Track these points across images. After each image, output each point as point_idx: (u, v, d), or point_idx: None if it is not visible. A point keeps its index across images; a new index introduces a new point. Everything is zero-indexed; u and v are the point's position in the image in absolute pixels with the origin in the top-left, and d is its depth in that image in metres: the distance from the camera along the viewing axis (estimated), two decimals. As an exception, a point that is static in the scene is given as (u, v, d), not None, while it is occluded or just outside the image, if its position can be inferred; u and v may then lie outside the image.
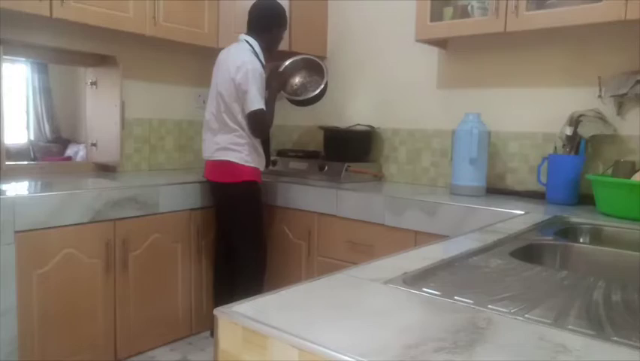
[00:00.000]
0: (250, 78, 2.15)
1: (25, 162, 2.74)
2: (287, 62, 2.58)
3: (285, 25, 2.37)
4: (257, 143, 2.29)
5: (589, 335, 0.66)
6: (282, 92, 2.49)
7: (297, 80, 2.66)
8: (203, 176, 2.39)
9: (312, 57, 2.63)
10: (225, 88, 2.21)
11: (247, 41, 2.26)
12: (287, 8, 2.62)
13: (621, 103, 2.01)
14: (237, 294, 2.16)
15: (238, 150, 2.23)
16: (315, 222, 2.39)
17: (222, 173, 2.27)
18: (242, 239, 2.31)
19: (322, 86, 2.50)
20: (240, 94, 2.18)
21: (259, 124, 2.22)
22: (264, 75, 2.23)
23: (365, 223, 2.19)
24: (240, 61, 2.17)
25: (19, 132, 3.18)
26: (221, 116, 2.24)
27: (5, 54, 2.18)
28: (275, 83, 2.39)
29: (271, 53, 2.36)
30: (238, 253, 2.33)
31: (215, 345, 0.74)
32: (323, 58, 2.98)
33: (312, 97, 2.51)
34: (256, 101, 2.17)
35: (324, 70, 2.55)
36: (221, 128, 2.26)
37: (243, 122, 2.22)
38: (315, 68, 2.62)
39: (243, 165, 2.24)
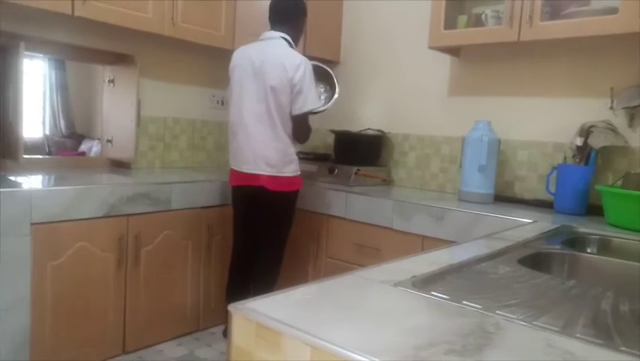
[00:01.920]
0: (308, 77, 2.10)
1: (42, 156, 2.79)
2: None
3: (306, 14, 2.28)
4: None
5: (597, 344, 0.67)
6: None
7: None
8: (235, 182, 2.26)
9: (320, 64, 2.60)
10: (283, 87, 2.08)
11: (284, 38, 2.15)
12: None
13: (633, 115, 2.01)
14: (254, 292, 2.17)
15: (290, 161, 2.17)
16: (324, 224, 2.42)
17: (280, 184, 2.17)
18: (276, 243, 2.31)
19: (335, 97, 2.48)
20: (294, 94, 2.08)
21: (309, 125, 2.21)
22: None
23: (373, 227, 2.21)
24: (299, 60, 2.08)
25: (35, 126, 3.24)
26: (274, 122, 2.11)
27: (25, 50, 2.22)
28: None
29: (296, 46, 2.26)
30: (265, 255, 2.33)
31: (229, 341, 0.75)
32: (336, 62, 3.01)
33: (323, 110, 2.47)
34: (315, 100, 2.15)
35: (334, 79, 2.53)
36: (273, 137, 2.12)
37: (290, 126, 2.15)
38: (323, 74, 2.59)
39: (295, 177, 2.21)
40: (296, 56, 2.11)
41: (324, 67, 2.61)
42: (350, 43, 2.98)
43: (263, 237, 2.29)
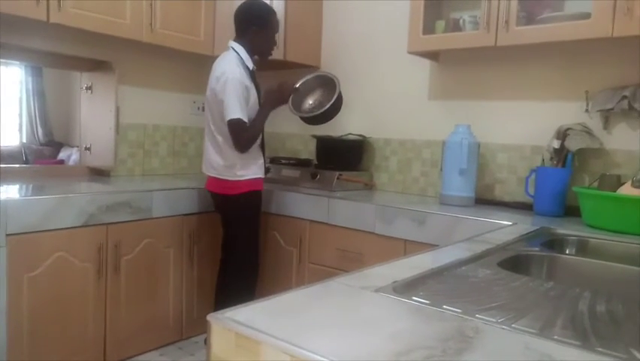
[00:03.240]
0: (228, 87, 2.07)
1: (18, 165, 2.73)
2: (303, 79, 2.48)
3: (265, 25, 2.21)
4: (254, 150, 2.22)
5: (574, 346, 0.68)
6: (293, 110, 2.39)
7: (312, 99, 2.56)
8: (207, 188, 2.35)
9: (325, 73, 2.56)
10: (212, 98, 2.18)
11: (233, 48, 2.20)
12: (282, 18, 2.55)
13: (607, 117, 2.06)
14: (229, 299, 2.17)
15: (231, 166, 2.19)
16: (307, 230, 2.41)
17: (221, 187, 2.25)
18: (237, 248, 2.32)
19: (332, 101, 2.37)
20: (219, 104, 2.12)
21: (238, 135, 2.11)
22: (245, 83, 2.13)
23: (355, 231, 2.22)
24: (220, 70, 2.12)
25: (12, 135, 3.18)
26: (210, 129, 2.24)
27: (0, 57, 2.18)
28: (276, 96, 2.26)
29: (262, 57, 2.28)
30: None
31: (208, 350, 0.74)
32: (317, 68, 3.02)
33: (319, 113, 2.38)
34: (232, 111, 2.07)
35: (336, 84, 2.44)
36: (212, 143, 2.25)
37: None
38: (330, 83, 2.52)
39: (238, 181, 2.21)
40: (222, 66, 2.14)
41: (328, 74, 2.54)
42: (330, 49, 2.99)
43: (226, 240, 2.37)
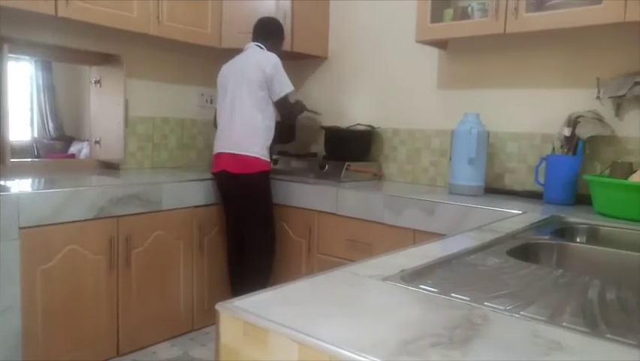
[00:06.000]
0: (280, 68, 2.39)
1: (30, 160, 2.76)
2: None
3: (283, 37, 2.60)
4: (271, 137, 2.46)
5: (583, 333, 0.67)
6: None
7: None
8: (218, 169, 2.43)
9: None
10: (257, 79, 2.36)
11: (260, 47, 2.47)
12: (289, 9, 2.71)
13: (619, 104, 2.03)
14: (248, 284, 2.35)
15: (255, 144, 2.38)
16: (316, 221, 2.42)
17: (242, 165, 2.38)
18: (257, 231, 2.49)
19: None
20: (268, 83, 2.37)
21: (292, 104, 2.55)
22: None
23: (365, 222, 2.22)
24: (266, 56, 2.41)
25: (23, 129, 3.21)
26: (248, 109, 2.38)
27: (10, 52, 2.20)
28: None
29: None
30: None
31: (217, 339, 0.75)
32: (324, 58, 3.01)
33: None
34: (289, 85, 2.41)
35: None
36: (249, 120, 2.38)
37: (264, 110, 2.41)
38: None
39: (259, 158, 2.38)
40: (263, 55, 2.43)
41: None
42: (338, 40, 2.97)
43: (240, 227, 2.53)
